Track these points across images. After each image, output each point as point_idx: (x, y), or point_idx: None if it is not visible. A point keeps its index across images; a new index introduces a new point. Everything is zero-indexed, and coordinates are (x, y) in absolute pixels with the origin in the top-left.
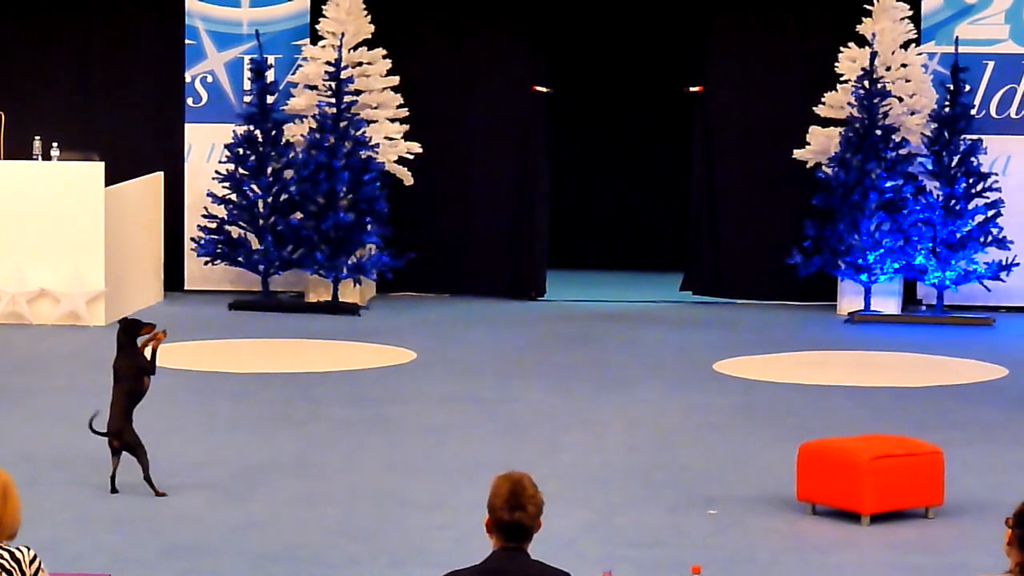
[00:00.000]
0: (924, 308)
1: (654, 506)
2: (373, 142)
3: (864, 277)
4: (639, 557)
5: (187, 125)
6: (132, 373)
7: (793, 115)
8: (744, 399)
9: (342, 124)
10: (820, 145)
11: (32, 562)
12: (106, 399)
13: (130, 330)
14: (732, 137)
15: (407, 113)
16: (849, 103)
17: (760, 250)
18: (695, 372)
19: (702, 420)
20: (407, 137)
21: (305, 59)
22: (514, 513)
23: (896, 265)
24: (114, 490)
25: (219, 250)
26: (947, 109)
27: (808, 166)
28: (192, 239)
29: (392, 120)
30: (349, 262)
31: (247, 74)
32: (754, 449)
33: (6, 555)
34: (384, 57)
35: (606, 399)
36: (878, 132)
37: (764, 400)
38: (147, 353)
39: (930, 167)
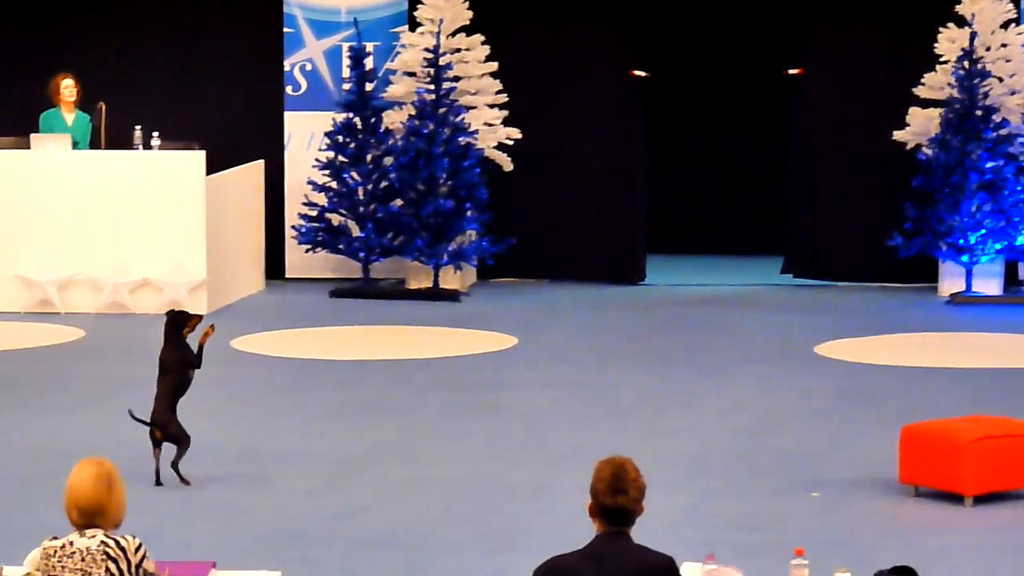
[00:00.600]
0: None
1: (756, 490)
2: (472, 128)
3: (965, 258)
4: (741, 540)
5: (286, 113)
6: (178, 366)
7: (892, 96)
8: (846, 382)
9: (441, 111)
10: (920, 126)
11: (137, 550)
12: (206, 390)
13: (178, 322)
14: (831, 119)
15: (506, 99)
16: (949, 84)
17: (860, 232)
18: (796, 355)
19: (803, 403)
20: (506, 123)
21: (403, 46)
22: (616, 497)
23: (997, 246)
24: (158, 483)
25: (319, 238)
26: None
27: (908, 147)
28: (292, 227)
29: (491, 106)
30: (449, 248)
31: (346, 62)
32: (856, 432)
33: (112, 544)
34: (482, 43)
35: (707, 383)
36: (978, 113)
37: (865, 383)
38: (194, 346)
39: None
